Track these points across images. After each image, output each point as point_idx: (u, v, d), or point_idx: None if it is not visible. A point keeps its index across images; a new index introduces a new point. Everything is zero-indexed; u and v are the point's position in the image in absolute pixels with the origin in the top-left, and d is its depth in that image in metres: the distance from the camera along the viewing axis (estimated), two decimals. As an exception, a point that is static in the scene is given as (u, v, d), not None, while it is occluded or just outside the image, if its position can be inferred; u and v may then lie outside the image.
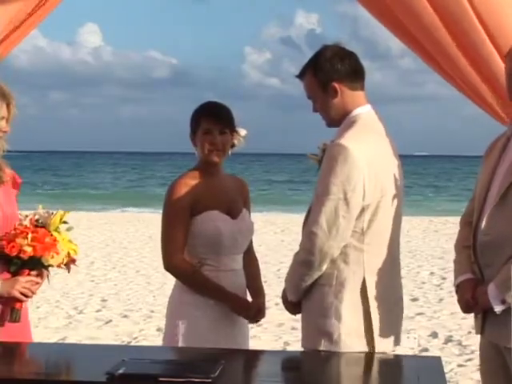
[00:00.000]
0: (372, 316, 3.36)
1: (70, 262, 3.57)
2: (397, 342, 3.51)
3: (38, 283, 3.51)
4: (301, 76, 3.52)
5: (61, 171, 63.73)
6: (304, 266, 3.35)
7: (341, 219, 3.29)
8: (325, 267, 3.34)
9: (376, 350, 3.35)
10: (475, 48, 3.62)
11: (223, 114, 3.79)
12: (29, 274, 3.48)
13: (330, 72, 3.45)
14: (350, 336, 3.34)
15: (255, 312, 3.80)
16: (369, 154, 3.33)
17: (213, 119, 3.75)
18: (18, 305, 3.48)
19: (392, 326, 3.45)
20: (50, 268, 3.53)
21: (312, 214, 3.35)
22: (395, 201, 3.43)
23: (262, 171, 66.43)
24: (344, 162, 3.27)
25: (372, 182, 3.32)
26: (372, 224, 3.36)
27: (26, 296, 3.47)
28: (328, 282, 3.37)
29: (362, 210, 3.32)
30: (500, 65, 3.56)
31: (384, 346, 3.40)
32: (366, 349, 3.35)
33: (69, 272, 3.59)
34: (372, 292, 3.36)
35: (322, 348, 3.35)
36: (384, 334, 3.40)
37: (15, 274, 3.47)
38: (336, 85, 3.44)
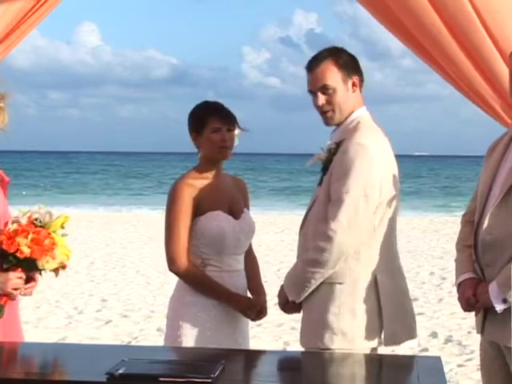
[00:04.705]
0: (383, 314, 3.38)
1: (59, 267, 3.53)
2: (411, 336, 3.53)
3: (21, 278, 3.45)
4: (316, 65, 3.48)
5: (60, 171, 63.70)
6: (316, 264, 3.35)
7: (360, 216, 3.31)
8: (338, 265, 3.35)
9: (387, 347, 3.41)
10: (476, 49, 3.62)
11: (229, 112, 3.81)
12: (22, 272, 3.43)
13: (355, 67, 3.50)
14: (363, 334, 3.38)
15: (258, 310, 3.81)
16: (383, 153, 3.39)
17: (221, 118, 3.75)
18: (3, 300, 3.45)
19: (404, 321, 3.48)
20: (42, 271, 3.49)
21: (330, 211, 3.35)
22: (396, 200, 3.45)
23: (261, 171, 66.39)
24: (363, 160, 3.31)
25: (387, 179, 3.39)
26: (382, 221, 3.39)
27: (16, 289, 3.45)
28: (340, 280, 3.38)
29: (377, 207, 3.35)
30: (502, 66, 3.55)
31: (395, 344, 3.45)
32: (378, 345, 3.41)
33: (56, 276, 3.55)
34: (383, 290, 3.38)
35: (334, 346, 3.36)
36: (396, 330, 3.42)
37: (6, 270, 3.43)
38: (357, 79, 3.47)
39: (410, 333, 3.53)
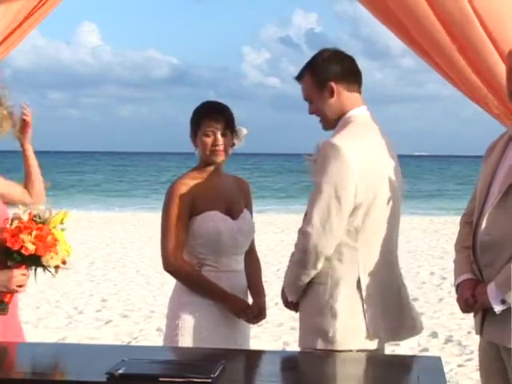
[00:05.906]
0: (366, 315, 3.37)
1: (60, 263, 3.54)
2: (394, 338, 3.52)
3: (25, 274, 3.46)
4: (299, 78, 3.53)
5: (59, 171, 63.66)
6: (299, 265, 3.37)
7: (333, 217, 3.29)
8: (320, 266, 3.35)
9: (370, 348, 3.36)
10: (476, 50, 3.62)
11: (224, 114, 3.79)
12: (25, 269, 3.44)
13: (327, 71, 3.46)
14: (345, 334, 3.35)
15: (256, 314, 3.80)
16: (361, 153, 3.33)
17: (214, 120, 3.75)
18: (7, 297, 3.46)
19: (388, 325, 3.45)
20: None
21: (307, 211, 3.36)
22: (391, 201, 3.43)
23: (262, 171, 66.39)
24: (335, 161, 3.29)
25: (364, 181, 3.32)
26: (366, 223, 3.36)
27: (20, 286, 3.46)
28: (323, 280, 3.38)
29: (355, 209, 3.33)
30: (501, 66, 3.55)
31: (379, 345, 3.41)
32: (361, 347, 3.36)
33: (56, 273, 3.55)
34: (367, 291, 3.37)
35: (318, 347, 3.36)
36: (379, 332, 3.40)
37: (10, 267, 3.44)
38: (333, 84, 3.44)
39: (392, 338, 3.51)
